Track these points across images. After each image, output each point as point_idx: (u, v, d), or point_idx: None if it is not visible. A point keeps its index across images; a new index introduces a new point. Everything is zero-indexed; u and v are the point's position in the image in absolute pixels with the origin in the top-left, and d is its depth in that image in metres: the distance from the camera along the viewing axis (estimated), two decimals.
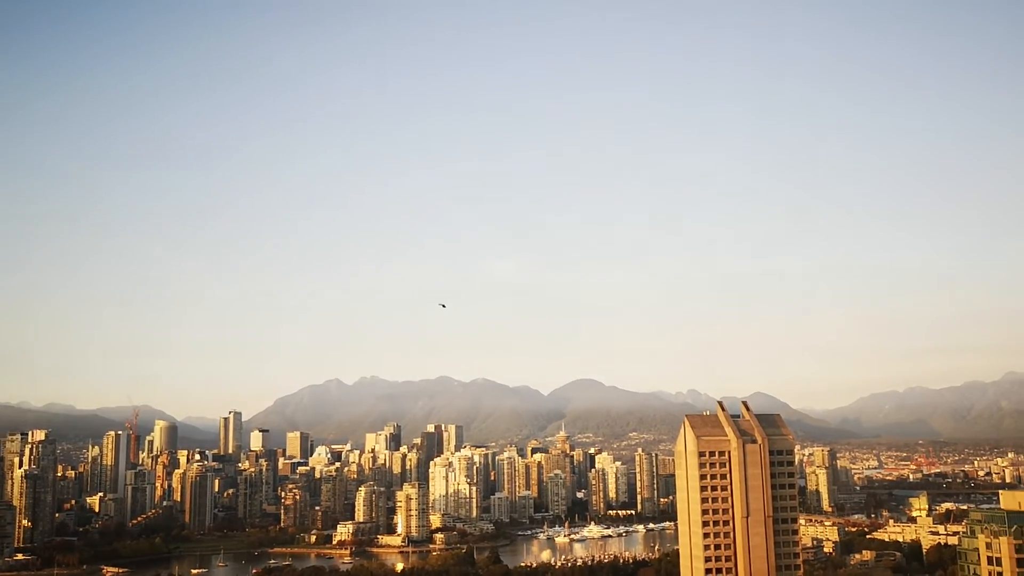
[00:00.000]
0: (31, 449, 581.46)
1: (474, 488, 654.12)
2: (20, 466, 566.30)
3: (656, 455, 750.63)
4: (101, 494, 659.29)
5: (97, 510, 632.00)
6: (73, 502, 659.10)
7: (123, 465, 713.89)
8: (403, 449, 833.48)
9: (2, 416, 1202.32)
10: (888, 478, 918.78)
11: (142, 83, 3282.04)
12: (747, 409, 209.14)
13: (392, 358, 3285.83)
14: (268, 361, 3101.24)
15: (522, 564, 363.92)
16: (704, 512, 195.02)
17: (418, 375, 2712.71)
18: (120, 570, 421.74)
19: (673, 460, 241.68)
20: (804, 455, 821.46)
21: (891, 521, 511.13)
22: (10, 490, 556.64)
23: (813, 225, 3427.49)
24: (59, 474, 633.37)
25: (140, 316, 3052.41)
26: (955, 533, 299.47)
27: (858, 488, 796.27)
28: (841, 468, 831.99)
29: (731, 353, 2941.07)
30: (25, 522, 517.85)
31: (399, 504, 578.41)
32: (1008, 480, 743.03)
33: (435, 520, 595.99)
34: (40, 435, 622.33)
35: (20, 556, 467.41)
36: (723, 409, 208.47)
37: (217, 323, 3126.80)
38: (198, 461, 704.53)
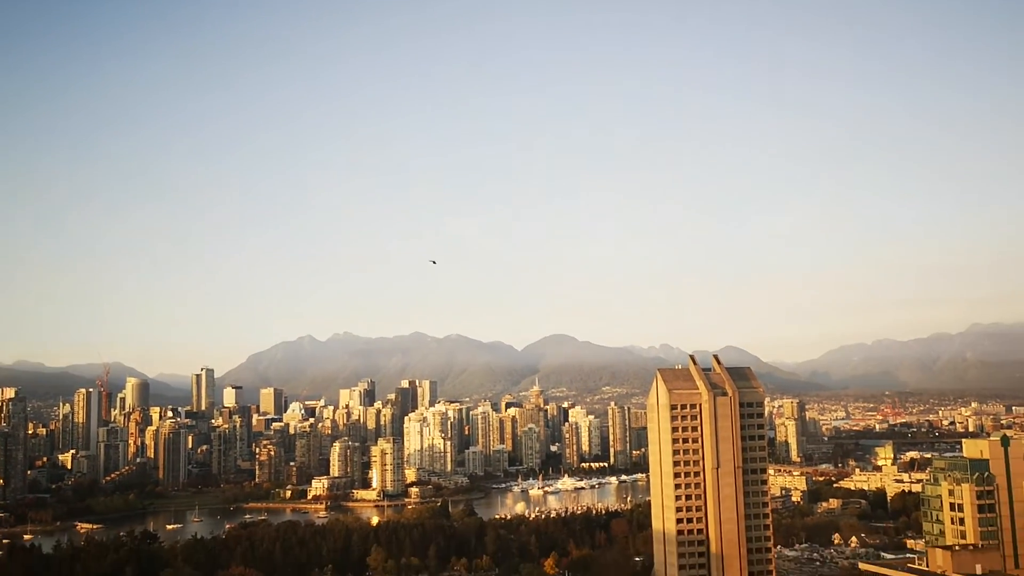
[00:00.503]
0: (1, 407, 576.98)
1: (448, 443, 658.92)
2: None
3: (628, 409, 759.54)
4: (73, 451, 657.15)
5: (70, 467, 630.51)
6: (45, 459, 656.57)
7: (95, 423, 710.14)
8: (377, 405, 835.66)
9: None
10: (855, 428, 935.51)
11: (118, 37, 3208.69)
12: (718, 362, 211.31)
13: (365, 314, 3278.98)
14: (240, 318, 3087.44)
15: (497, 516, 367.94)
16: (675, 464, 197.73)
17: (392, 331, 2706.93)
18: (94, 526, 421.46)
19: (645, 413, 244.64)
20: (774, 407, 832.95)
21: (857, 470, 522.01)
22: None
23: (783, 184, 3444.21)
24: (30, 432, 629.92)
25: (110, 273, 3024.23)
26: (919, 481, 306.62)
27: (826, 439, 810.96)
28: (810, 419, 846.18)
29: (703, 308, 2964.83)
30: None
31: (374, 459, 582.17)
32: (971, 429, 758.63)
33: (410, 474, 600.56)
34: (10, 393, 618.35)
35: None
36: (694, 363, 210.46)
37: (188, 280, 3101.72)
38: (171, 418, 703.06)
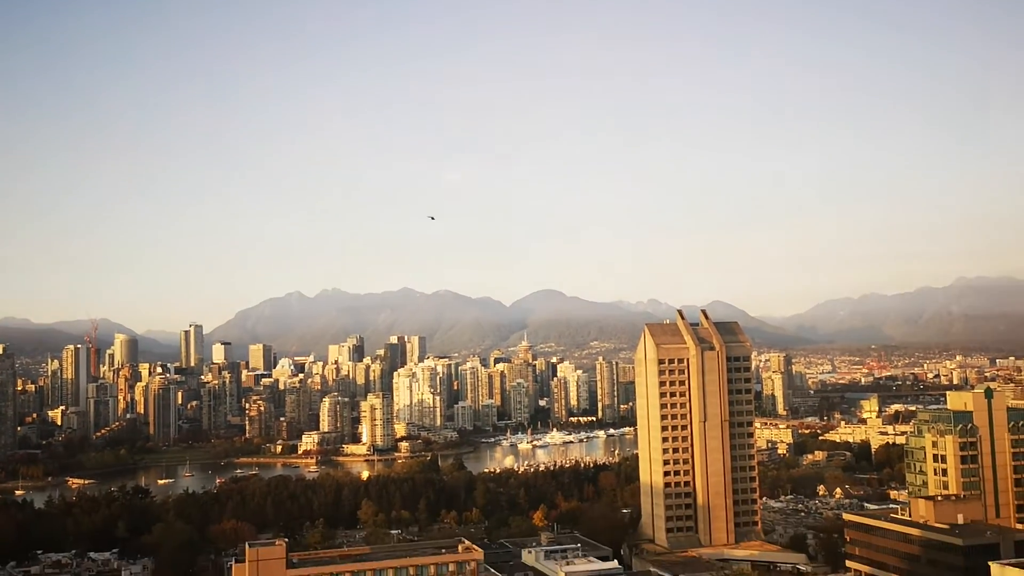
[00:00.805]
0: None
1: (438, 398, 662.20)
2: None
3: (616, 363, 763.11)
4: (63, 407, 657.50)
5: (60, 423, 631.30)
6: (35, 416, 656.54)
7: (84, 379, 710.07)
8: (366, 360, 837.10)
9: None
10: (841, 382, 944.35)
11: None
12: (706, 317, 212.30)
13: (354, 270, 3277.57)
14: (228, 274, 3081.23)
15: (486, 470, 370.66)
16: (663, 417, 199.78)
17: (380, 287, 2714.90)
18: (85, 481, 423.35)
19: (633, 368, 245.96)
20: (761, 361, 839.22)
21: (842, 423, 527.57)
22: None
23: (771, 138, 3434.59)
24: (19, 388, 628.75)
25: (97, 229, 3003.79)
26: (903, 433, 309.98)
27: (812, 392, 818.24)
28: (796, 373, 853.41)
29: (691, 263, 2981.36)
30: None
31: (364, 414, 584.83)
32: (956, 382, 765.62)
33: (400, 429, 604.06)
34: None
35: None
36: (682, 318, 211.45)
37: (176, 236, 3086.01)
38: (160, 374, 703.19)
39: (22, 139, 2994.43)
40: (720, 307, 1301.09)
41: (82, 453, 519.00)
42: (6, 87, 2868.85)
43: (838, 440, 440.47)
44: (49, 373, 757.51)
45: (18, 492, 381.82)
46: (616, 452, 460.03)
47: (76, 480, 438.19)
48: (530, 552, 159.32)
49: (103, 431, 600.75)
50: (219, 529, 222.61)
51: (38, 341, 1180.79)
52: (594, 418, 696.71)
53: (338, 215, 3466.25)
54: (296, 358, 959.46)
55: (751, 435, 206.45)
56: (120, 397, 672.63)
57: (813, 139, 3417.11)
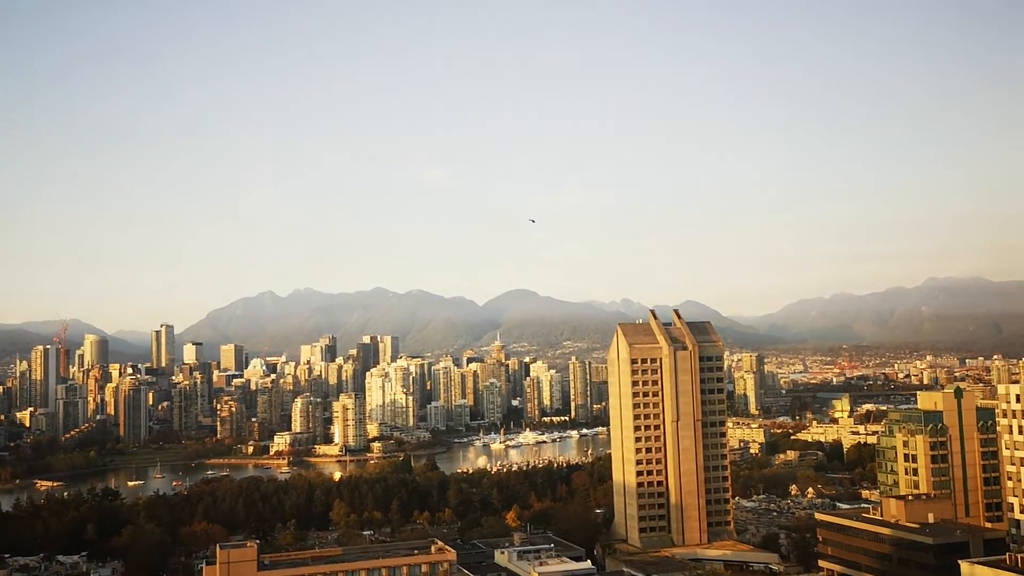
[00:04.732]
0: None
1: (411, 398, 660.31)
2: None
3: (589, 363, 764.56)
4: (31, 409, 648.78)
5: (28, 425, 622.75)
6: (2, 417, 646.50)
7: (53, 380, 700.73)
8: (339, 360, 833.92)
9: None
10: (813, 382, 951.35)
11: None
12: (678, 317, 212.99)
13: (326, 270, 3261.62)
14: (200, 274, 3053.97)
15: (459, 471, 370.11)
16: (636, 417, 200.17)
17: (353, 287, 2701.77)
18: (54, 483, 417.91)
19: (606, 368, 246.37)
20: (733, 361, 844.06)
21: (814, 422, 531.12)
22: None
23: (744, 136, 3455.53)
24: None
25: (67, 228, 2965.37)
26: (874, 433, 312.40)
27: (784, 392, 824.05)
28: (768, 373, 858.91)
29: (664, 263, 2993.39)
30: None
31: (336, 414, 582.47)
32: (926, 382, 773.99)
33: (372, 429, 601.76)
34: None
35: None
36: (655, 317, 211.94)
37: (148, 236, 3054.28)
38: (131, 375, 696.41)
39: None
40: (692, 307, 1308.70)
41: (51, 455, 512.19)
42: None
43: (810, 440, 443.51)
44: (17, 374, 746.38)
45: None
46: (589, 452, 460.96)
47: (44, 482, 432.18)
48: (503, 552, 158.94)
49: (72, 432, 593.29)
50: (190, 531, 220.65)
51: (7, 341, 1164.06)
52: (567, 418, 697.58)
53: (311, 214, 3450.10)
54: (268, 358, 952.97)
55: (724, 435, 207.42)
56: (90, 398, 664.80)
57: (784, 138, 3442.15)
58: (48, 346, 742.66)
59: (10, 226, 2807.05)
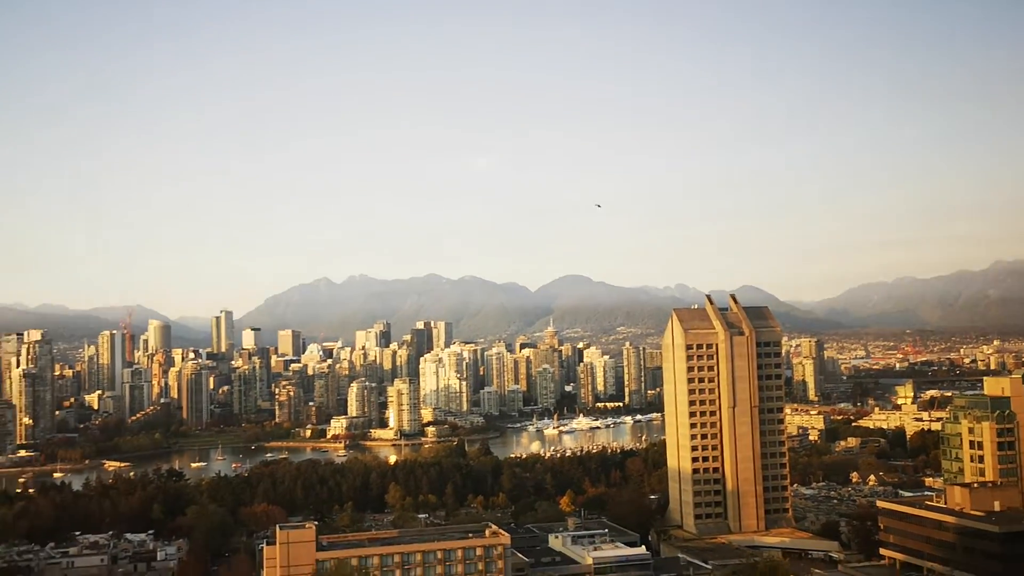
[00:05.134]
0: (28, 349, 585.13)
1: (464, 383, 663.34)
2: (18, 366, 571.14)
3: (644, 349, 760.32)
4: (99, 392, 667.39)
5: (96, 407, 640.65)
6: (72, 400, 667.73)
7: (119, 364, 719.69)
8: (393, 346, 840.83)
9: None
10: (875, 367, 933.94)
11: None
12: (735, 302, 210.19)
13: (381, 256, 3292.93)
14: (258, 261, 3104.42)
15: (512, 455, 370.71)
16: (691, 403, 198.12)
17: (407, 273, 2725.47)
18: (121, 464, 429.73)
19: (660, 353, 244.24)
20: (791, 346, 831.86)
21: (876, 409, 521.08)
22: (9, 389, 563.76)
23: (800, 120, 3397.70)
24: (57, 373, 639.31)
25: (132, 217, 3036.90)
26: (939, 419, 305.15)
27: (845, 378, 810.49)
28: (828, 358, 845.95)
29: (720, 248, 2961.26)
30: (26, 420, 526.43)
31: (391, 399, 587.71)
32: (993, 367, 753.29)
33: (426, 414, 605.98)
34: (36, 335, 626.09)
35: (23, 452, 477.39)
36: (711, 302, 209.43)
37: (207, 223, 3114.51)
38: (192, 360, 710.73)
39: (57, 129, 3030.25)
40: (749, 292, 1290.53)
41: (118, 437, 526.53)
42: (45, 73, 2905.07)
43: (872, 426, 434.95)
44: (86, 358, 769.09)
45: (57, 475, 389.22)
46: (644, 438, 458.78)
47: (112, 463, 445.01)
48: (557, 537, 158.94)
49: (138, 415, 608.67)
50: (250, 512, 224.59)
51: (75, 327, 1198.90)
52: (621, 404, 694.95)
53: (365, 202, 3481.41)
54: (324, 344, 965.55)
55: (781, 421, 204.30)
56: (154, 382, 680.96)
57: (847, 122, 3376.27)
58: (114, 331, 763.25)
59: (79, 216, 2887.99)
